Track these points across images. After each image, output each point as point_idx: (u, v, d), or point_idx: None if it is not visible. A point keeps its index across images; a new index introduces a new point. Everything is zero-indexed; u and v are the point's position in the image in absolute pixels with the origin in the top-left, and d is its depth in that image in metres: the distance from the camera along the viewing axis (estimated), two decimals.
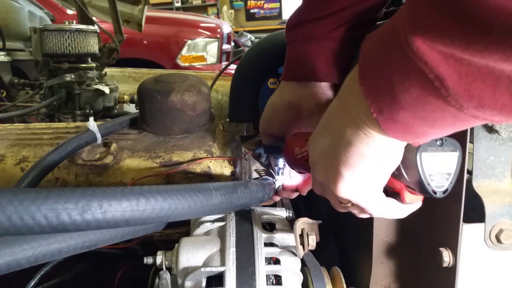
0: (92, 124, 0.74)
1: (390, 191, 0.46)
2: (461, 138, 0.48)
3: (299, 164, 0.57)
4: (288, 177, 0.67)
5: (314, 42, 0.58)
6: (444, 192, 0.41)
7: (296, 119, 0.62)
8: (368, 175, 0.41)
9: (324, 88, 0.60)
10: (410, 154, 0.40)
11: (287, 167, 0.65)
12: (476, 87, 0.27)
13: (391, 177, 0.43)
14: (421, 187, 0.41)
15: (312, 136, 0.47)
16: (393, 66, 0.32)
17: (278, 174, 0.67)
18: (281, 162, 0.66)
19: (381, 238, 0.61)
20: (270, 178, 0.67)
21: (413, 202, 0.46)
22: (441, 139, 0.40)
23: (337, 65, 0.59)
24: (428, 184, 0.40)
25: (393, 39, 0.31)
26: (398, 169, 0.42)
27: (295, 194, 0.67)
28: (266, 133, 0.67)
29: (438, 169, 0.41)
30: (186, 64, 3.36)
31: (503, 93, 0.26)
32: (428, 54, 0.28)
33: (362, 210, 0.46)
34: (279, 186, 0.67)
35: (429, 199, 0.51)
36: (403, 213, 0.47)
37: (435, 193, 0.41)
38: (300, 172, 0.63)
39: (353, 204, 0.45)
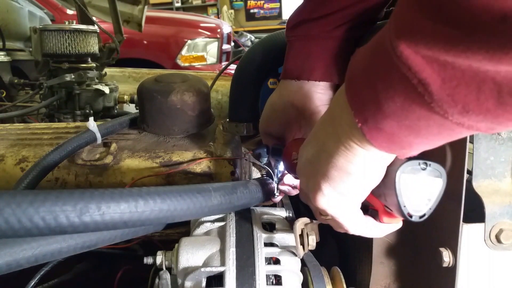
0: (92, 124, 0.74)
1: (371, 208, 0.45)
2: (460, 139, 0.48)
3: (295, 169, 0.57)
4: (289, 176, 0.67)
5: (314, 41, 0.58)
6: (421, 217, 0.40)
7: (295, 118, 0.62)
8: (346, 190, 0.41)
9: (324, 88, 0.60)
10: (390, 174, 0.39)
11: None
12: (460, 91, 0.26)
13: (372, 195, 0.43)
14: (397, 208, 0.40)
15: (303, 145, 0.47)
16: (378, 73, 0.31)
17: (277, 176, 0.67)
18: (281, 165, 0.66)
19: (381, 238, 0.60)
20: (270, 178, 0.67)
21: (391, 223, 0.45)
22: (425, 163, 0.39)
23: (337, 65, 0.59)
24: (404, 206, 0.39)
25: (379, 47, 0.31)
26: (378, 187, 0.41)
27: (295, 191, 0.67)
28: (266, 132, 0.67)
29: (418, 193, 0.39)
30: (186, 64, 3.36)
31: (487, 97, 0.26)
32: (412, 59, 0.27)
33: (339, 225, 0.46)
34: (280, 181, 0.67)
35: None
36: (380, 233, 0.47)
37: (411, 216, 0.39)
38: (296, 178, 0.63)
39: (331, 218, 0.45)
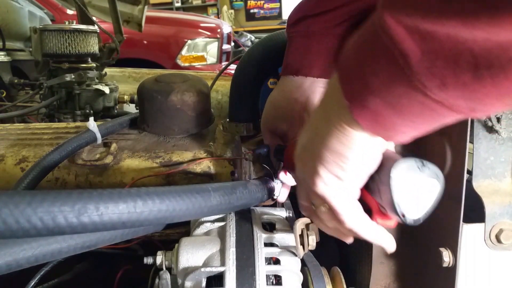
0: (92, 124, 0.74)
1: (368, 209, 0.44)
2: (461, 138, 0.48)
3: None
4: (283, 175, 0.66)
5: (315, 37, 0.58)
6: (416, 221, 0.39)
7: (299, 114, 0.62)
8: (341, 173, 0.40)
9: (325, 83, 0.60)
10: (386, 169, 0.38)
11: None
12: (439, 65, 0.26)
13: (367, 192, 0.42)
14: (390, 206, 0.38)
15: (300, 134, 0.47)
16: (366, 48, 0.31)
17: (277, 178, 0.66)
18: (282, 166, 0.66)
19: None
20: (270, 178, 0.66)
21: (384, 225, 0.44)
22: (422, 162, 0.38)
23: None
24: (398, 204, 0.38)
25: (369, 22, 0.31)
26: (374, 182, 0.40)
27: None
28: (269, 130, 0.67)
29: (413, 193, 0.38)
30: (186, 64, 3.36)
31: (464, 71, 0.25)
32: (394, 28, 0.27)
33: (333, 215, 0.44)
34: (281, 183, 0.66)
35: None
36: (373, 234, 0.45)
37: (404, 217, 0.38)
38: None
39: (326, 208, 0.44)
